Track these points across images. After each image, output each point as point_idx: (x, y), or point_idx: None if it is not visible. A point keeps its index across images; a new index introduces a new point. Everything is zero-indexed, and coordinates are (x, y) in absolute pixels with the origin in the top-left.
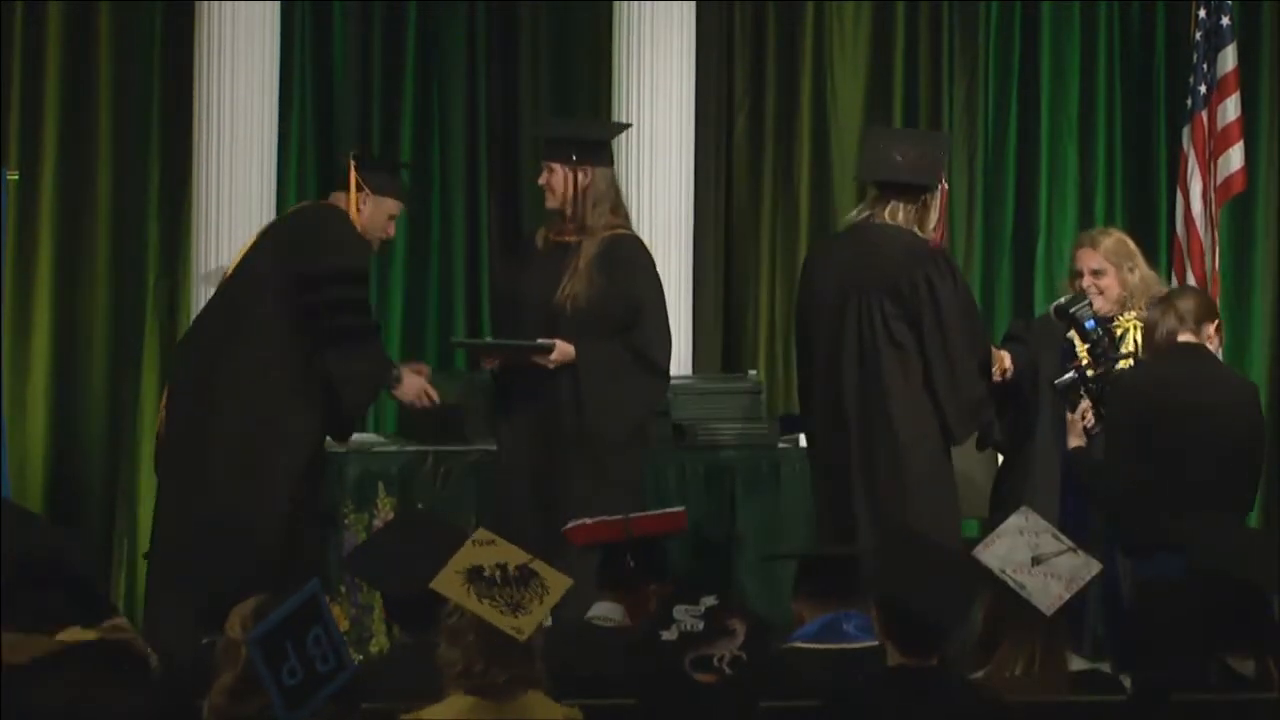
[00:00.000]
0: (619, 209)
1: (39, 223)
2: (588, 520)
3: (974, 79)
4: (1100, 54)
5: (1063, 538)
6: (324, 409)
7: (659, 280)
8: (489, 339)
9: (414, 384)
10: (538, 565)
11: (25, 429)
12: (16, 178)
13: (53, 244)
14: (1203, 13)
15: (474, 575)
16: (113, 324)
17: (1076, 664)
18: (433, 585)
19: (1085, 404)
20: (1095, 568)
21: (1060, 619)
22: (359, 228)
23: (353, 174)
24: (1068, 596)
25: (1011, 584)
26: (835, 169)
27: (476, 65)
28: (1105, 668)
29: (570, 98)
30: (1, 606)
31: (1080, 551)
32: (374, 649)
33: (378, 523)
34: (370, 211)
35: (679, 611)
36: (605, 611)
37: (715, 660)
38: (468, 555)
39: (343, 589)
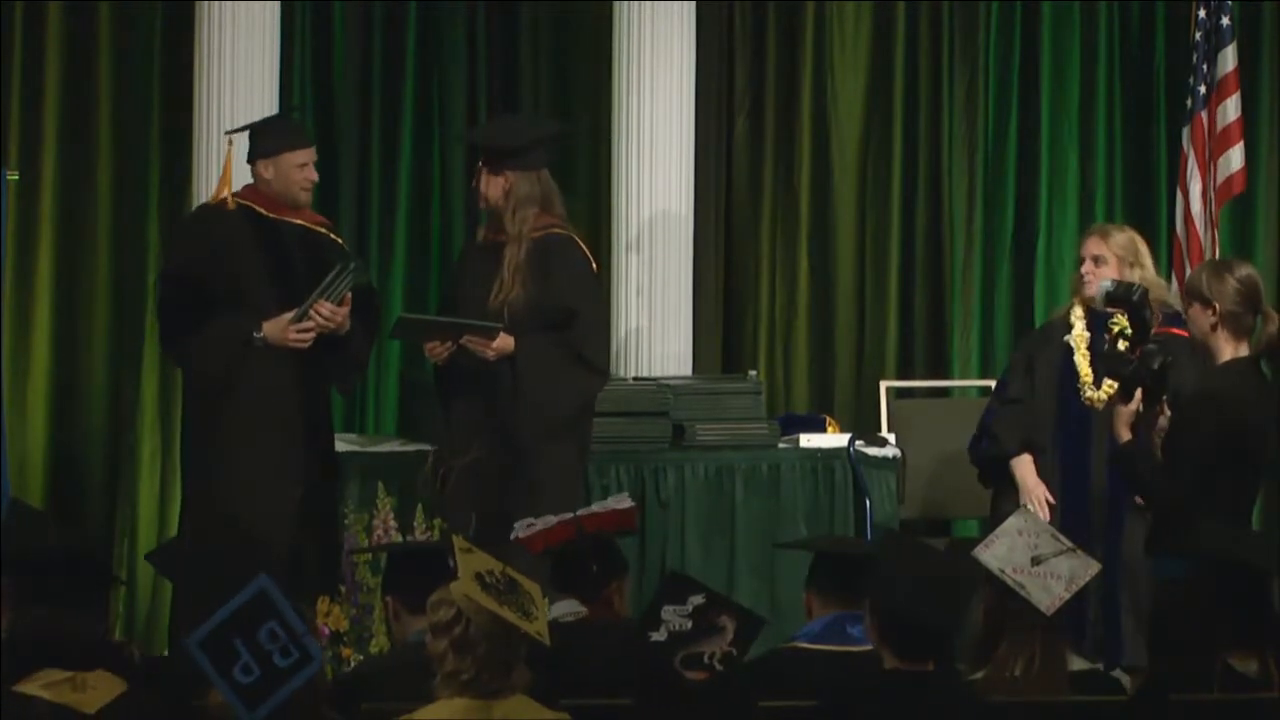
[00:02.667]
0: (551, 207)
1: (39, 223)
2: (537, 525)
3: (974, 79)
4: (1100, 54)
5: (1062, 538)
6: (233, 405)
7: (593, 277)
8: (436, 317)
9: (274, 328)
10: (510, 571)
11: (25, 428)
12: (16, 178)
13: (53, 244)
14: (1203, 13)
15: (482, 581)
16: (113, 324)
17: (1076, 664)
18: (458, 590)
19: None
20: (1095, 568)
21: (1060, 619)
22: (278, 194)
23: (229, 159)
24: (1067, 597)
25: (1011, 584)
26: (835, 169)
27: (476, 65)
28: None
29: (570, 98)
30: (3, 604)
31: (1080, 552)
32: (374, 649)
33: (377, 523)
34: (275, 175)
35: (667, 612)
36: (566, 609)
37: (706, 657)
38: (469, 562)
39: (342, 589)
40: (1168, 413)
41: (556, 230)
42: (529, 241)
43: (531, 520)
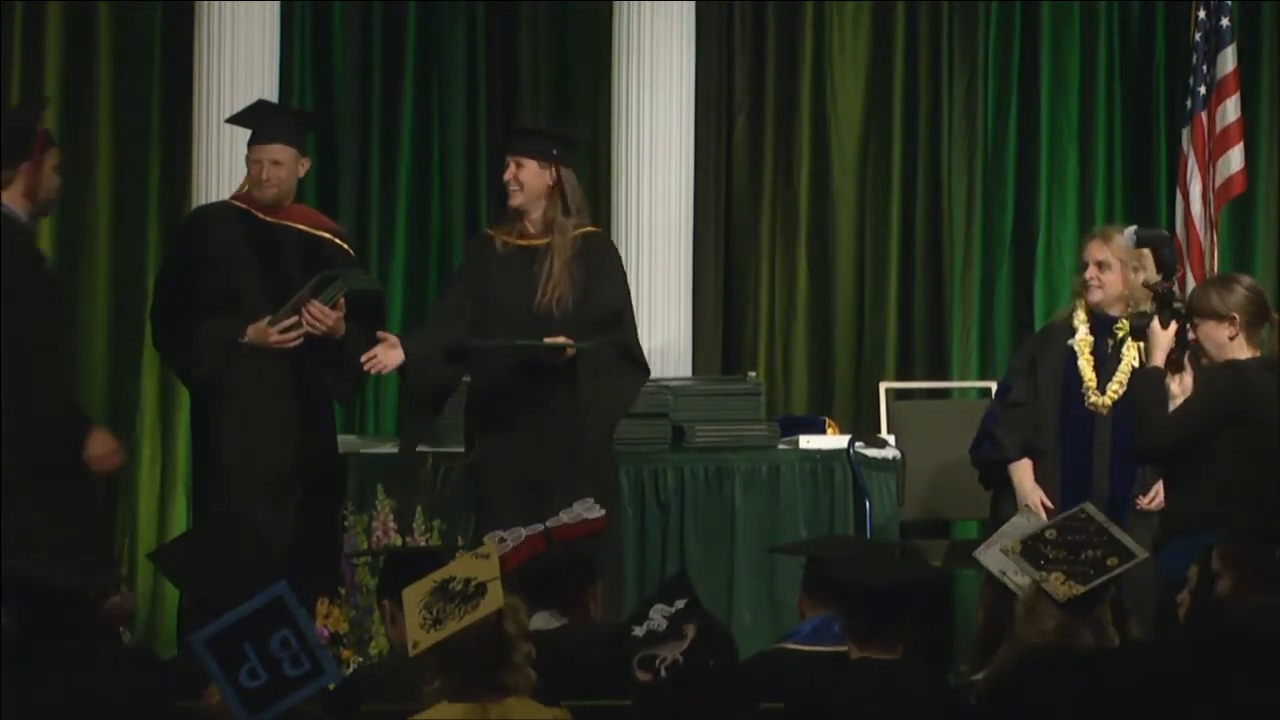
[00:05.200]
0: (583, 208)
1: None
2: (509, 541)
3: (974, 79)
4: (1100, 54)
5: None
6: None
7: (625, 276)
8: (509, 341)
9: (255, 331)
10: (492, 585)
11: None
12: None
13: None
14: (1202, 13)
15: (442, 587)
16: (113, 324)
17: None
18: (405, 591)
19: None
20: None
21: None
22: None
23: None
24: None
25: (1011, 586)
26: (835, 169)
27: (476, 65)
28: None
29: (570, 98)
30: (2, 601)
31: None
32: (374, 650)
33: (377, 524)
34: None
35: (655, 611)
36: (545, 622)
37: (656, 661)
38: (454, 569)
39: (342, 590)
40: (1190, 368)
41: (593, 229)
42: (573, 240)
43: (503, 535)
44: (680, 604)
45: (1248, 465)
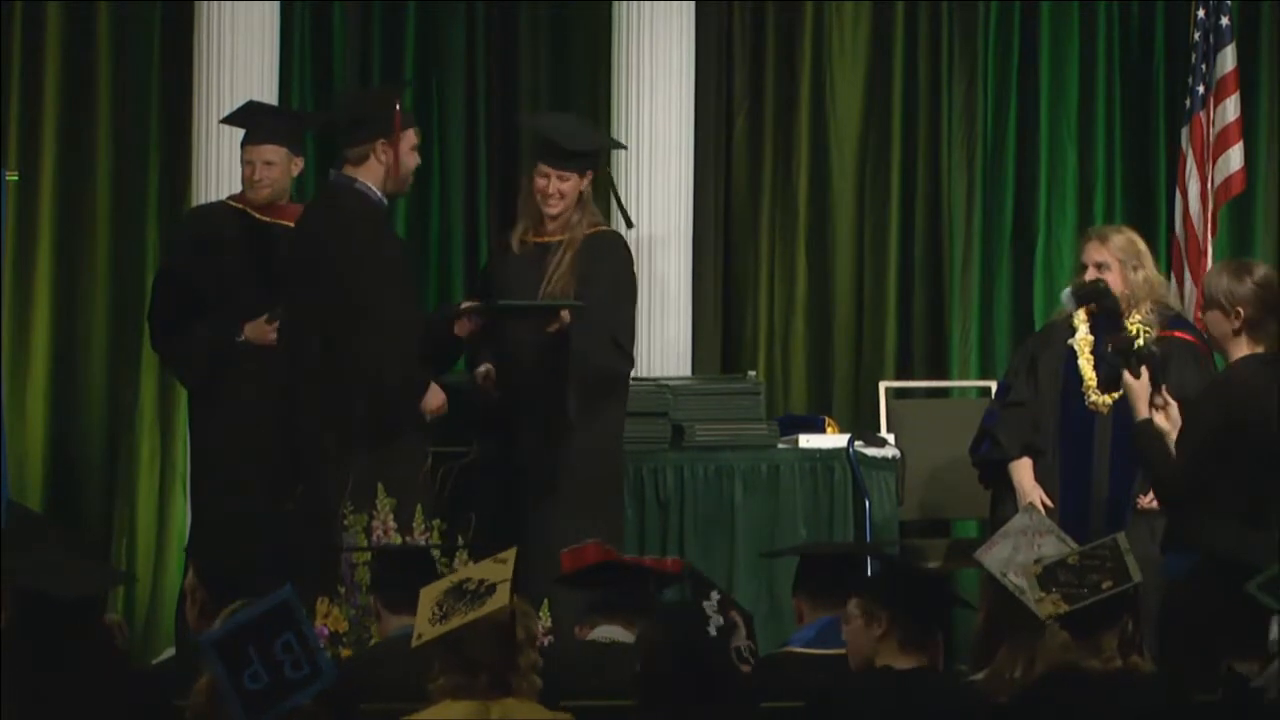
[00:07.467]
0: (596, 208)
1: (39, 223)
2: (588, 543)
3: (973, 79)
4: (1100, 54)
5: (1067, 539)
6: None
7: (634, 279)
8: (509, 302)
9: (254, 329)
10: (501, 586)
11: (25, 429)
12: (16, 178)
13: (53, 244)
14: (1202, 13)
15: (457, 587)
16: (113, 324)
17: None
18: (422, 590)
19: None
20: None
21: None
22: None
23: None
24: None
25: (1011, 587)
26: (834, 169)
27: (476, 65)
28: None
29: (570, 98)
30: (3, 604)
31: None
32: None
33: (376, 524)
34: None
35: (706, 608)
36: (611, 634)
37: (745, 651)
38: (471, 571)
39: (342, 589)
40: (1170, 400)
41: (604, 229)
42: (583, 239)
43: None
44: (716, 596)
45: (1245, 467)
